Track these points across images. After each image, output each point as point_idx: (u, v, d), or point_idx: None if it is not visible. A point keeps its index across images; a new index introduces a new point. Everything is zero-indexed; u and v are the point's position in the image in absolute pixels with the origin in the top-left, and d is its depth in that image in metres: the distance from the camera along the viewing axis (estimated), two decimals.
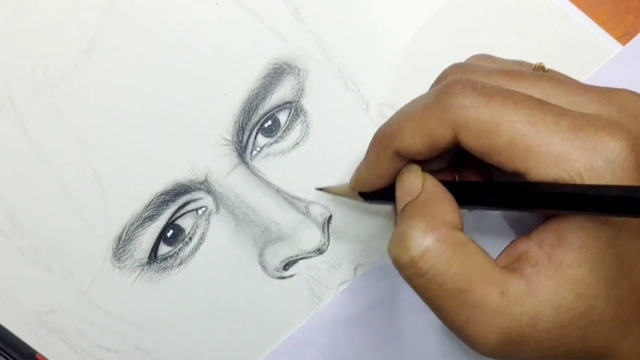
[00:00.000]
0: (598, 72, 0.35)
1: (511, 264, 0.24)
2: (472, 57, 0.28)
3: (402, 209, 0.25)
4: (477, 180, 0.28)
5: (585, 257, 0.22)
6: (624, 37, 0.35)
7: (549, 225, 0.24)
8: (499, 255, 0.25)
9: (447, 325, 0.24)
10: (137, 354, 0.33)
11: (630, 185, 0.21)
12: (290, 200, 0.34)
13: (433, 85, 0.27)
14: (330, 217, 0.34)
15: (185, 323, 0.34)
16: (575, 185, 0.21)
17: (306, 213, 0.34)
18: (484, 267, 0.23)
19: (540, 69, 0.26)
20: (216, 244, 0.34)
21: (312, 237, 0.34)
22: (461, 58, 0.35)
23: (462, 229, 0.24)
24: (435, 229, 0.23)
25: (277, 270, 0.34)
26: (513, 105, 0.22)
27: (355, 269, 0.35)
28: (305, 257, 0.34)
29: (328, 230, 0.34)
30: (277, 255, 0.34)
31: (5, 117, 0.33)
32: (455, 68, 0.26)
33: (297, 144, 0.34)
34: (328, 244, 0.34)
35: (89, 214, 0.33)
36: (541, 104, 0.22)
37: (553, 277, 0.22)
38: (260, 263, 0.34)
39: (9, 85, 0.33)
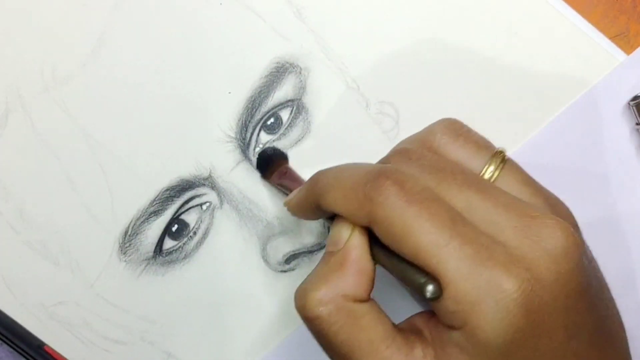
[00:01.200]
0: (607, 77, 0.36)
1: (407, 339, 0.24)
2: (440, 122, 0.27)
3: (324, 254, 0.25)
4: None
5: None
6: (617, 37, 0.36)
7: None
8: (402, 322, 0.25)
9: None
10: (142, 345, 0.34)
11: None
12: None
13: (383, 157, 0.27)
14: None
15: (189, 315, 0.34)
16: None
17: None
18: (373, 341, 0.23)
19: (498, 157, 0.25)
20: (220, 238, 0.34)
21: (313, 231, 0.34)
22: (459, 58, 0.35)
23: (366, 298, 0.24)
24: (331, 301, 0.24)
25: (280, 264, 0.35)
26: (427, 218, 0.22)
27: None
28: (307, 252, 0.35)
29: (329, 225, 0.35)
30: (279, 249, 0.34)
31: (14, 115, 0.33)
32: (400, 153, 0.26)
33: (299, 141, 0.35)
34: None
35: (96, 209, 0.34)
36: (454, 223, 0.22)
37: None
38: (263, 257, 0.34)
39: (18, 84, 0.33)
